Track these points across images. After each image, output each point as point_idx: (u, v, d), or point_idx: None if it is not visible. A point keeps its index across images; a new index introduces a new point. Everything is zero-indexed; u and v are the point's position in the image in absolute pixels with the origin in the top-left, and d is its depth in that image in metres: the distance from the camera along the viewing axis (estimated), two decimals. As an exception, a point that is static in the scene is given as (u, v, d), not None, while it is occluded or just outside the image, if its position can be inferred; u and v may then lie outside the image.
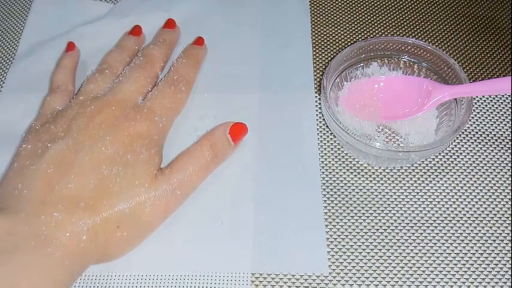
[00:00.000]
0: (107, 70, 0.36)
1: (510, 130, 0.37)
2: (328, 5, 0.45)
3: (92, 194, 0.29)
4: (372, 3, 0.45)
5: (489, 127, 0.38)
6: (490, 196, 0.34)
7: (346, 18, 0.44)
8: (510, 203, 0.34)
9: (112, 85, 0.35)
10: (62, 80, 0.37)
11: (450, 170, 0.35)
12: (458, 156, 0.36)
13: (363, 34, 0.43)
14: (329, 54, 0.42)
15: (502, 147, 0.37)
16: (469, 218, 0.33)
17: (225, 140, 0.33)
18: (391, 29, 0.43)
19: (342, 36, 0.43)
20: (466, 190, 0.34)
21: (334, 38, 0.43)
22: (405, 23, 0.44)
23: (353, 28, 0.43)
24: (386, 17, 0.44)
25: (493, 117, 0.38)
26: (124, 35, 0.41)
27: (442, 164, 0.36)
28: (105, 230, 0.29)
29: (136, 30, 0.40)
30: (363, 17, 0.44)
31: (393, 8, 0.45)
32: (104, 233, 0.28)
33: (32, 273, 0.26)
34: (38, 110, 0.36)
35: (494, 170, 0.35)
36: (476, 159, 0.36)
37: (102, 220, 0.28)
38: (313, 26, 0.43)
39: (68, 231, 0.27)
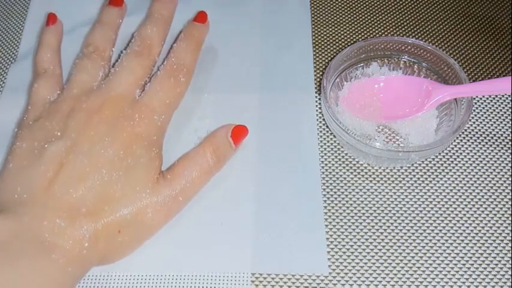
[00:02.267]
0: (94, 53, 0.35)
1: (510, 130, 0.37)
2: (329, 5, 0.45)
3: (93, 200, 0.28)
4: (372, 3, 0.45)
5: (489, 127, 0.38)
6: (490, 196, 0.34)
7: (346, 18, 0.44)
8: (510, 203, 0.34)
9: (104, 73, 0.34)
10: (47, 62, 0.35)
11: (450, 170, 0.35)
12: (458, 156, 0.36)
13: (363, 34, 0.43)
14: (329, 54, 0.42)
15: (502, 147, 0.37)
16: (469, 218, 0.33)
17: (226, 143, 0.33)
18: (391, 29, 0.43)
19: (342, 36, 0.43)
20: (466, 190, 0.34)
21: (334, 38, 0.43)
22: (405, 23, 0.44)
23: (353, 28, 0.43)
24: (386, 17, 0.44)
25: (493, 117, 0.38)
26: (104, 7, 0.39)
27: (442, 164, 0.36)
28: (107, 235, 0.28)
29: (116, 0, 0.38)
30: (363, 17, 0.44)
31: (393, 8, 0.45)
32: (105, 238, 0.28)
33: (37, 278, 0.26)
34: (27, 100, 0.35)
35: (494, 170, 0.35)
36: (476, 159, 0.36)
37: (104, 226, 0.28)
38: (314, 26, 0.43)
39: (71, 238, 0.27)
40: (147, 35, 0.36)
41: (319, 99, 0.39)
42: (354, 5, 0.45)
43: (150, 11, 0.39)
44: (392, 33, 0.43)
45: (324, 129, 0.37)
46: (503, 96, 0.39)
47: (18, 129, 0.32)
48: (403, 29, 0.43)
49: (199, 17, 0.39)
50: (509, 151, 0.36)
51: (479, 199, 0.34)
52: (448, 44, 0.42)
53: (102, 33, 0.37)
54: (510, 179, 0.35)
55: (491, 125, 0.38)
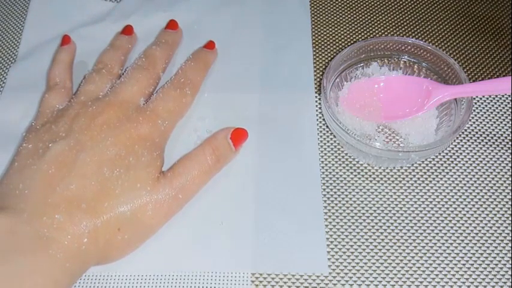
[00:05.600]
0: (104, 69, 0.36)
1: (510, 130, 0.37)
2: (329, 5, 0.45)
3: (94, 196, 0.29)
4: (372, 3, 0.45)
5: (489, 127, 0.38)
6: (490, 196, 0.34)
7: (346, 18, 0.44)
8: (510, 203, 0.34)
9: (112, 85, 0.35)
10: (59, 76, 0.37)
11: (450, 170, 0.35)
12: (458, 156, 0.36)
13: (363, 34, 0.43)
14: (329, 54, 0.42)
15: (502, 147, 0.37)
16: (469, 218, 0.33)
17: (226, 145, 0.33)
18: (391, 29, 0.43)
19: (342, 36, 0.43)
20: (466, 190, 0.34)
21: (334, 38, 0.43)
22: (405, 23, 0.44)
23: (353, 28, 0.43)
24: (386, 17, 0.44)
25: (493, 117, 0.38)
26: (116, 34, 0.41)
27: (442, 164, 0.36)
28: (106, 233, 0.28)
29: (127, 30, 0.41)
30: (363, 17, 0.44)
31: (393, 8, 0.45)
32: (105, 236, 0.28)
33: (34, 274, 0.26)
34: (37, 108, 0.36)
35: (494, 170, 0.35)
36: (476, 159, 0.36)
37: (103, 222, 0.28)
38: (314, 26, 0.43)
39: (69, 233, 0.27)
40: (151, 53, 0.38)
41: (319, 99, 0.39)
42: (354, 5, 0.45)
43: (156, 38, 0.40)
44: (392, 33, 0.43)
45: (324, 129, 0.37)
46: (503, 96, 0.39)
47: (26, 133, 0.33)
48: (403, 29, 0.43)
49: (209, 45, 0.40)
50: (509, 151, 0.36)
51: (479, 199, 0.34)
52: (448, 44, 0.42)
53: (113, 53, 0.38)
54: (510, 179, 0.35)
55: (491, 125, 0.38)
